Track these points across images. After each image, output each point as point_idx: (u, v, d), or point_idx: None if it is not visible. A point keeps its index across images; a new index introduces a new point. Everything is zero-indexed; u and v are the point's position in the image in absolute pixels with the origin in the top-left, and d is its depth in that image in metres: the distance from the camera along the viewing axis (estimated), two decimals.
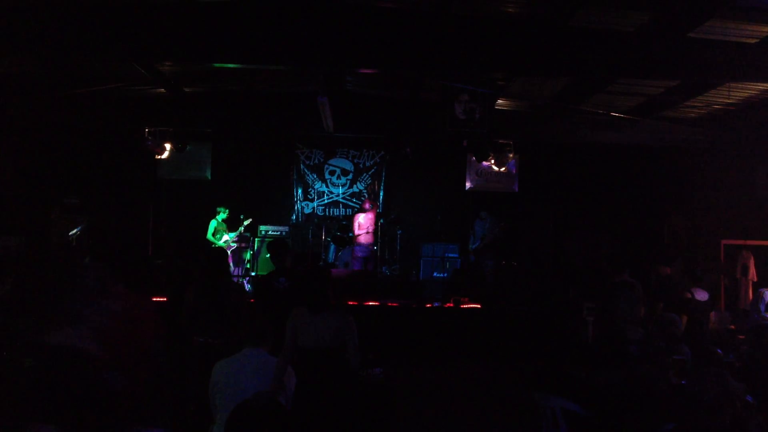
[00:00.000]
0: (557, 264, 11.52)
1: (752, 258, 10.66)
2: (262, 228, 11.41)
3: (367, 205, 11.05)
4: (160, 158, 11.11)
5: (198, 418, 4.65)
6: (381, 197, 12.53)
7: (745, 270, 10.59)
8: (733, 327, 8.82)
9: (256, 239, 11.16)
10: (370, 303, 9.01)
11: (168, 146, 10.95)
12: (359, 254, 10.62)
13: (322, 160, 12.56)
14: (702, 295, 8.20)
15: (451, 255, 11.14)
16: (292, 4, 6.97)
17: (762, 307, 8.42)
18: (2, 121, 10.27)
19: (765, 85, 8.16)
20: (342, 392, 4.01)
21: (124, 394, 2.87)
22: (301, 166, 12.56)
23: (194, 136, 11.42)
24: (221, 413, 3.93)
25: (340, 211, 12.51)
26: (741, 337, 7.86)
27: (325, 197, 12.58)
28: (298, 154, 12.54)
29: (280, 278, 5.42)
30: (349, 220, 11.36)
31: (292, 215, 12.47)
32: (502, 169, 11.37)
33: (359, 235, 10.67)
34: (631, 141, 10.91)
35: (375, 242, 10.85)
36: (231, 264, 10.04)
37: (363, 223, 10.73)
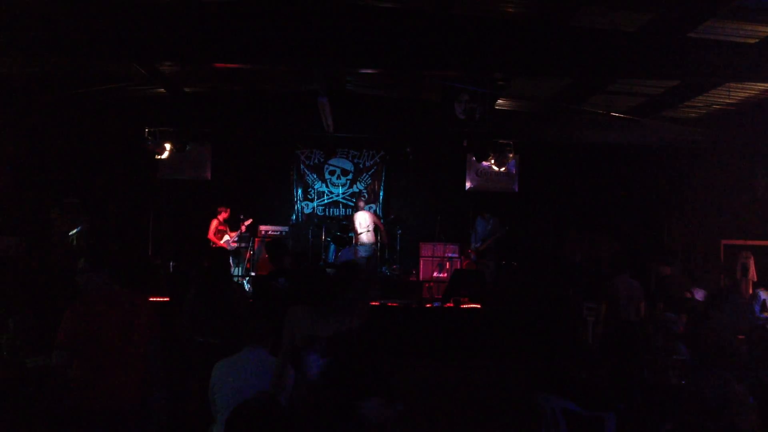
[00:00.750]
0: (557, 264, 11.51)
1: (752, 258, 10.65)
2: (262, 228, 11.41)
3: (360, 203, 11.09)
4: (160, 158, 11.11)
5: (198, 418, 4.66)
6: (381, 197, 12.53)
7: (745, 270, 10.58)
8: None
9: (256, 239, 11.16)
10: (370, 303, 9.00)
11: (168, 146, 10.95)
12: (362, 254, 10.59)
13: (322, 160, 12.57)
14: (702, 295, 8.20)
15: (451, 255, 11.14)
16: (292, 4, 6.97)
17: (757, 308, 8.43)
18: (2, 121, 10.27)
19: (765, 85, 8.16)
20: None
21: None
22: (301, 166, 12.56)
23: (194, 136, 11.41)
24: (221, 413, 3.93)
25: (340, 211, 12.51)
26: (741, 337, 7.86)
27: (325, 197, 12.58)
28: (298, 154, 12.55)
29: (280, 278, 5.42)
30: (349, 220, 11.38)
31: (292, 215, 12.47)
32: (502, 169, 11.37)
33: (361, 233, 10.65)
34: (631, 141, 10.91)
35: (376, 241, 10.82)
36: (231, 264, 10.04)
37: (363, 222, 10.73)
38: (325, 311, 3.14)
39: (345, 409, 2.83)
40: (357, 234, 10.71)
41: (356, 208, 11.18)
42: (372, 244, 10.71)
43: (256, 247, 11.11)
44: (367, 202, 12.42)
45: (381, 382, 2.98)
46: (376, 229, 10.80)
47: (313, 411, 2.93)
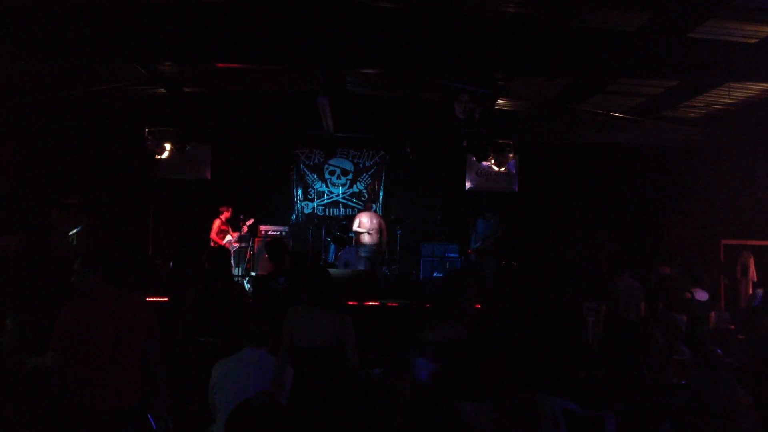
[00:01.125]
0: (557, 264, 11.51)
1: (752, 258, 10.65)
2: (262, 228, 11.41)
3: (369, 204, 11.09)
4: (160, 158, 11.10)
5: (198, 418, 4.66)
6: (381, 197, 12.52)
7: (745, 270, 10.59)
8: (732, 327, 8.84)
9: (257, 239, 11.16)
10: (370, 303, 9.00)
11: (168, 146, 10.94)
12: (362, 254, 10.59)
13: (322, 160, 12.56)
14: (702, 295, 8.21)
15: (451, 255, 11.13)
16: (292, 4, 6.97)
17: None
18: (2, 121, 10.27)
19: (765, 85, 8.15)
20: (339, 392, 4.01)
21: None
22: (301, 166, 12.56)
23: (194, 136, 11.40)
24: (221, 413, 3.94)
25: (340, 211, 12.51)
26: (741, 337, 7.88)
27: (325, 197, 12.58)
28: (298, 154, 12.54)
29: (280, 278, 5.42)
30: (349, 219, 11.36)
31: (292, 215, 12.47)
32: (502, 169, 11.36)
33: (361, 234, 10.63)
34: (631, 141, 10.91)
35: (380, 243, 10.76)
36: (232, 264, 10.04)
37: (365, 222, 10.70)
38: (435, 318, 3.35)
39: (447, 411, 2.99)
40: (357, 234, 10.70)
41: (365, 208, 11.15)
42: (373, 245, 10.67)
43: (256, 247, 11.10)
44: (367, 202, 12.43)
45: (484, 388, 3.13)
46: (380, 231, 10.76)
47: (418, 411, 3.11)
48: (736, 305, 10.52)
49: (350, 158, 12.60)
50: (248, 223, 10.76)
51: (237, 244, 10.83)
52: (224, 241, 10.63)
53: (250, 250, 11.02)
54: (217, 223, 10.70)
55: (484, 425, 3.00)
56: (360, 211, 11.30)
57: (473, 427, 2.94)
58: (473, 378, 3.11)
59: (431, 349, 3.15)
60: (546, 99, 10.17)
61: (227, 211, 10.77)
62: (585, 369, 4.51)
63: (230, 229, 10.82)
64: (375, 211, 11.33)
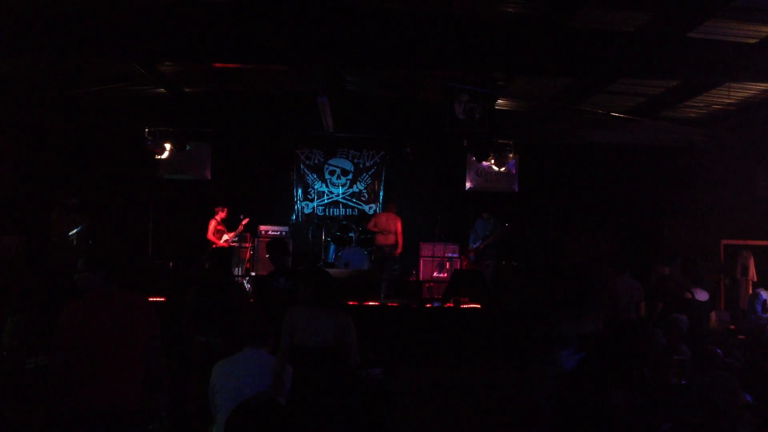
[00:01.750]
0: (557, 264, 11.51)
1: (752, 258, 10.66)
2: (262, 228, 11.41)
3: (390, 205, 11.05)
4: (160, 158, 11.11)
5: (198, 418, 4.66)
6: (381, 197, 12.53)
7: (745, 270, 10.59)
8: (732, 327, 8.85)
9: (256, 239, 11.16)
10: (370, 303, 9.01)
11: (168, 146, 10.95)
12: (373, 255, 10.53)
13: (322, 160, 12.57)
14: (702, 295, 8.21)
15: (451, 255, 11.13)
16: (292, 4, 6.97)
17: (758, 308, 8.45)
18: (2, 121, 10.27)
19: (765, 85, 8.15)
20: (339, 392, 4.02)
21: None
22: (301, 166, 12.56)
23: (194, 136, 11.41)
24: (221, 413, 3.94)
25: (340, 211, 12.51)
26: (741, 337, 7.89)
27: (325, 197, 12.58)
28: (298, 154, 12.55)
29: (280, 278, 5.42)
30: (349, 220, 11.33)
31: (292, 215, 12.47)
32: (502, 169, 11.37)
33: (377, 235, 10.57)
34: (631, 141, 10.91)
35: (394, 245, 10.68)
36: (232, 263, 10.01)
37: (379, 222, 10.66)
38: (574, 313, 3.49)
39: (597, 397, 3.12)
40: (372, 234, 10.66)
41: (387, 209, 11.12)
42: (386, 246, 10.57)
43: (256, 247, 11.10)
44: (367, 202, 12.44)
45: (626, 375, 3.23)
46: (396, 234, 10.69)
47: (568, 398, 3.25)
48: (736, 305, 10.52)
49: (350, 158, 12.61)
50: (243, 222, 10.75)
51: (235, 244, 10.83)
52: (221, 241, 10.62)
53: (251, 250, 11.02)
54: (212, 223, 10.67)
55: (630, 409, 3.12)
56: (381, 211, 11.27)
57: (621, 410, 3.04)
58: (617, 366, 3.22)
59: (574, 341, 3.24)
60: (546, 99, 10.18)
61: (222, 211, 10.75)
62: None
63: (226, 230, 10.80)
64: (394, 213, 11.24)
